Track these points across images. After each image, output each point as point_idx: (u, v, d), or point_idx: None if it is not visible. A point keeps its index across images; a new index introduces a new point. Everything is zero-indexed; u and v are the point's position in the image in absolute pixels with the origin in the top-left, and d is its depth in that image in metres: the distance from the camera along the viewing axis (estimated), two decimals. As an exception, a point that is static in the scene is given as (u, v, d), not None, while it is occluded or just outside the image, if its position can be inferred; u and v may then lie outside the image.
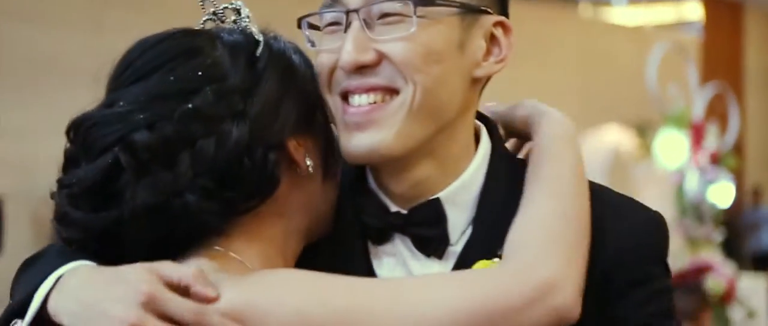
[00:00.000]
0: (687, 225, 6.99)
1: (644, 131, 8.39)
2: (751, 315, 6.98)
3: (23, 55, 8.84)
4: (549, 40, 12.82)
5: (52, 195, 1.53)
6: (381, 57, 1.53)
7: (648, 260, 1.58)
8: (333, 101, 1.57)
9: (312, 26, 1.62)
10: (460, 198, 1.60)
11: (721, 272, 6.67)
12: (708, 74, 12.15)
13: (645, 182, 8.50)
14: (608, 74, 13.34)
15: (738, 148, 10.18)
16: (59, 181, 1.51)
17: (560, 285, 1.45)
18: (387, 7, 1.53)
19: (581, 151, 1.63)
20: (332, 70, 1.56)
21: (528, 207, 1.54)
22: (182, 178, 1.45)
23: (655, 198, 8.17)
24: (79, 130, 1.50)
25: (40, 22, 8.74)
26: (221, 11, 1.61)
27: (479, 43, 1.59)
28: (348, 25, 1.54)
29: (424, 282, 1.48)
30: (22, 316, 1.45)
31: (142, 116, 1.47)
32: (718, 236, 7.13)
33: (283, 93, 1.54)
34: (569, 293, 1.46)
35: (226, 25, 1.61)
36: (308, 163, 1.56)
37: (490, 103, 1.73)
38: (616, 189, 1.67)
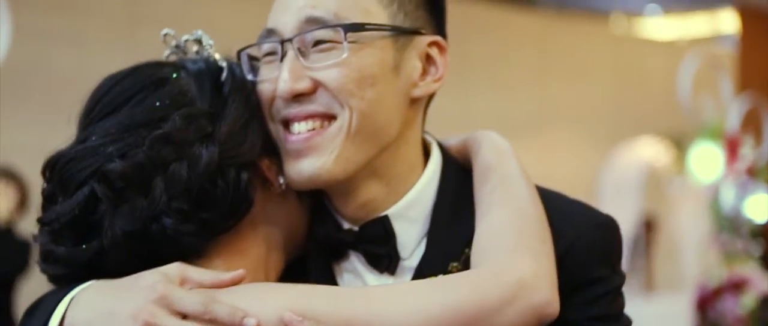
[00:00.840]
0: (723, 239, 6.94)
1: (680, 144, 8.35)
2: (789, 329, 6.91)
3: (60, 75, 8.93)
4: (581, 55, 12.78)
5: (35, 237, 1.56)
6: (316, 84, 1.57)
7: (593, 262, 1.59)
8: (275, 129, 1.61)
9: (252, 58, 1.65)
10: (411, 213, 1.63)
11: (758, 287, 6.60)
12: (743, 86, 12.06)
13: (680, 196, 8.45)
14: (642, 88, 13.27)
15: (774, 161, 10.08)
16: (39, 220, 1.55)
17: (534, 282, 1.47)
18: (319, 34, 1.57)
19: (520, 160, 1.65)
20: (272, 100, 1.60)
21: (487, 216, 1.57)
22: (158, 203, 1.49)
23: (690, 212, 8.13)
24: (55, 168, 1.54)
25: (77, 44, 8.82)
26: (184, 43, 1.66)
27: (414, 64, 1.62)
28: (284, 55, 1.58)
29: (398, 290, 1.50)
30: None
31: (114, 147, 1.51)
32: (756, 250, 7.07)
33: (250, 114, 1.59)
34: (545, 289, 1.48)
35: (191, 56, 1.65)
36: (281, 180, 1.60)
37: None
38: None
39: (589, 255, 1.58)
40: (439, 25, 1.67)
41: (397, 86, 1.60)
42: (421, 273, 1.59)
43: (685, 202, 8.30)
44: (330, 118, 1.57)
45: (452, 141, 1.73)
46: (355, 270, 1.65)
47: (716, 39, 15.28)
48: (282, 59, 1.58)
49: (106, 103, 1.56)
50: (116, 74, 1.60)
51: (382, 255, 1.62)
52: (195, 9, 9.17)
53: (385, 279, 1.62)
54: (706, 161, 7.44)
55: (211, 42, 1.66)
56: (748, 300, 6.49)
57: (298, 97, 1.57)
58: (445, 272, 1.57)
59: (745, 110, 7.84)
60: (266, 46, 1.62)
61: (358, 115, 1.56)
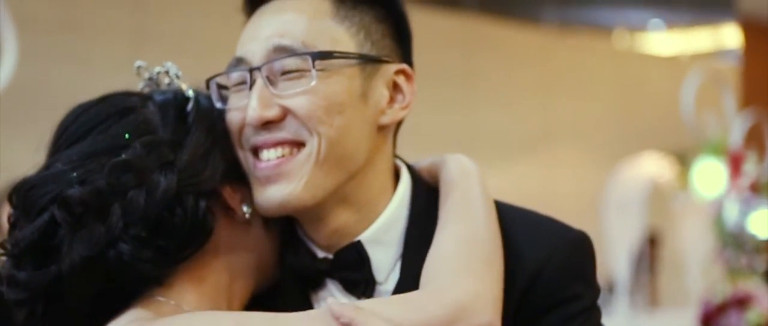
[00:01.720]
0: (727, 255, 6.93)
1: (683, 160, 8.34)
2: (795, 345, 6.89)
3: (64, 95, 8.95)
4: (585, 71, 12.80)
5: None
6: (285, 112, 1.58)
7: (568, 279, 1.60)
8: (244, 156, 1.62)
9: (221, 87, 1.67)
10: (384, 237, 1.64)
11: (763, 302, 6.59)
12: (746, 102, 12.06)
13: (684, 212, 8.44)
14: (645, 104, 13.28)
15: (778, 176, 10.08)
16: (1, 245, 1.56)
17: (475, 304, 1.48)
18: (287, 63, 1.58)
19: (484, 182, 1.67)
20: (241, 127, 1.61)
21: (439, 236, 1.58)
22: (114, 229, 1.49)
23: (694, 228, 8.12)
24: (19, 193, 1.55)
25: (82, 63, 8.84)
26: (156, 75, 1.68)
27: (382, 92, 1.64)
28: (253, 83, 1.59)
29: None
30: None
31: (75, 174, 1.52)
32: (760, 265, 7.06)
33: (212, 143, 1.60)
34: (486, 311, 1.49)
35: (163, 88, 1.67)
36: (244, 209, 1.62)
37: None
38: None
39: (563, 273, 1.59)
40: (405, 54, 1.69)
41: (365, 113, 1.61)
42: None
43: (689, 218, 8.29)
44: (299, 144, 1.59)
45: (423, 163, 1.75)
46: (334, 297, 1.64)
47: (719, 54, 15.28)
48: (251, 87, 1.59)
49: (72, 132, 1.58)
50: (84, 103, 1.62)
51: (359, 280, 1.62)
52: (199, 28, 9.19)
53: None
54: (710, 177, 7.44)
55: (179, 73, 1.68)
56: (752, 316, 6.48)
57: (267, 125, 1.58)
58: None
59: (749, 126, 7.84)
60: (235, 75, 1.63)
61: (327, 142, 1.57)
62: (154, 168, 1.53)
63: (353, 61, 1.60)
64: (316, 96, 1.57)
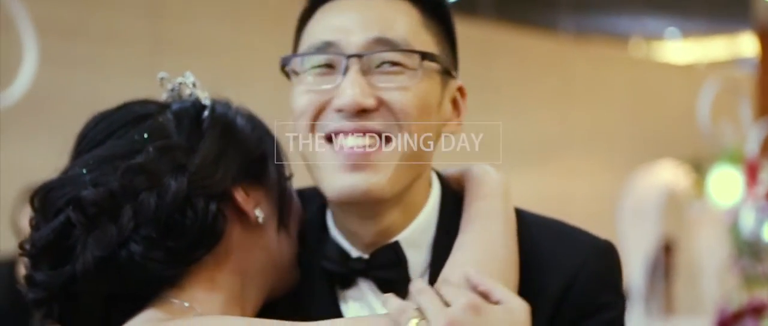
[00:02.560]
0: (743, 263, 6.92)
1: (699, 168, 8.33)
2: (810, 354, 6.87)
3: (81, 102, 8.99)
4: (600, 79, 12.79)
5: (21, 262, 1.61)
6: (380, 103, 1.58)
7: (600, 288, 1.62)
8: (313, 142, 1.61)
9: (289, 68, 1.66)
10: (418, 240, 1.65)
11: (778, 311, 6.57)
12: (763, 110, 12.03)
13: (699, 220, 8.43)
14: (661, 112, 13.26)
15: (794, 185, 10.04)
16: (20, 245, 1.61)
17: None
18: (390, 56, 1.59)
19: (509, 194, 1.68)
20: (319, 110, 1.61)
21: (458, 250, 1.59)
22: (125, 229, 1.53)
23: (709, 236, 8.11)
24: (39, 196, 1.60)
25: (99, 70, 8.88)
26: (178, 86, 1.71)
27: (447, 105, 1.67)
28: (346, 69, 1.59)
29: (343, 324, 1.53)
30: None
31: (90, 176, 1.56)
32: (776, 274, 7.04)
33: (224, 148, 1.62)
34: None
35: (185, 98, 1.70)
36: (257, 213, 1.63)
37: None
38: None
39: (595, 282, 1.61)
40: (456, 72, 1.71)
41: (438, 121, 1.64)
42: None
43: (705, 226, 8.29)
44: (386, 138, 1.59)
45: (451, 171, 1.76)
46: (364, 298, 1.65)
47: (736, 62, 15.25)
48: (345, 73, 1.59)
49: (91, 138, 1.62)
50: (105, 111, 1.66)
51: (395, 280, 1.63)
52: (216, 34, 9.22)
53: None
54: (726, 185, 7.43)
55: (196, 81, 1.70)
56: (768, 325, 6.46)
57: (359, 113, 1.58)
58: None
59: (765, 134, 7.82)
60: (322, 58, 1.62)
61: (413, 140, 1.59)
62: (166, 171, 1.56)
63: (440, 69, 1.64)
64: (413, 94, 1.59)
